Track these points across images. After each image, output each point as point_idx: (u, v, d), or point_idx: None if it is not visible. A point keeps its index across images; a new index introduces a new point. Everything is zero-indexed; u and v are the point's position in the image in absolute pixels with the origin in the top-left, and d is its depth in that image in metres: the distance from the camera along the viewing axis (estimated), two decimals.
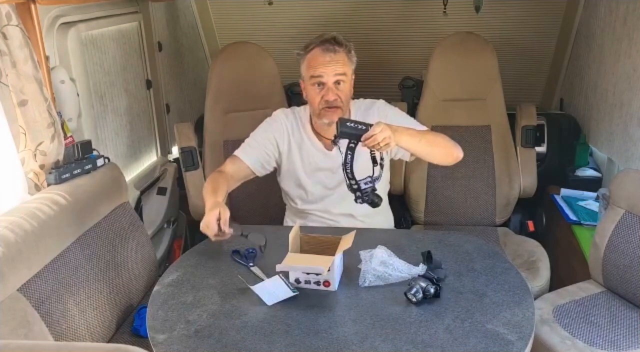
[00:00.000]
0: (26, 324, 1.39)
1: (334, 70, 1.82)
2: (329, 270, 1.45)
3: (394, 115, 1.95)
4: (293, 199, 2.05)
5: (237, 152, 1.98)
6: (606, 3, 2.56)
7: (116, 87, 2.47)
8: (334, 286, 1.50)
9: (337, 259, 1.50)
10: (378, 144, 1.60)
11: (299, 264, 1.49)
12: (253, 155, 1.96)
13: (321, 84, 1.85)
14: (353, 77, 1.91)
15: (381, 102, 2.01)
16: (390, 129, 1.62)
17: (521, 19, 3.02)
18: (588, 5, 2.79)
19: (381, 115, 1.94)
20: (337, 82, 1.84)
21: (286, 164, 2.00)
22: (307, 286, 1.50)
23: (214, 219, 1.63)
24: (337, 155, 1.93)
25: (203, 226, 1.65)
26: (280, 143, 1.99)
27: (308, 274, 1.48)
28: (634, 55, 2.25)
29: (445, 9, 2.83)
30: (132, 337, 1.74)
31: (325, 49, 1.83)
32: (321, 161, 1.97)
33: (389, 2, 3.04)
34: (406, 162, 2.59)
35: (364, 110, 1.97)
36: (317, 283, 1.49)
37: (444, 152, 1.82)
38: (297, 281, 1.50)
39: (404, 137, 1.69)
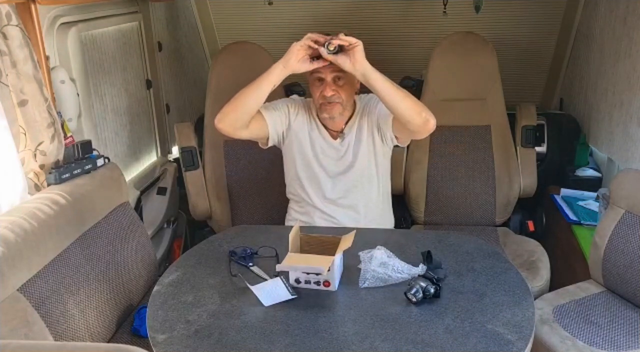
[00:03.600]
0: (26, 324, 1.39)
1: (332, 69, 1.84)
2: (329, 270, 1.45)
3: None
4: (300, 182, 2.05)
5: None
6: (606, 3, 2.56)
7: (116, 87, 2.47)
8: (334, 285, 1.50)
9: (337, 259, 1.50)
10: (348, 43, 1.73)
11: (299, 264, 1.49)
12: (271, 113, 1.97)
13: (321, 80, 1.88)
14: None
15: (371, 95, 2.02)
16: (362, 57, 1.73)
17: (521, 19, 3.02)
18: (588, 5, 2.79)
19: (374, 103, 1.98)
20: (337, 78, 1.87)
21: (296, 140, 2.02)
22: (307, 286, 1.50)
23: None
24: (341, 145, 2.00)
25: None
26: (292, 116, 2.01)
27: (308, 274, 1.48)
28: (634, 55, 2.25)
29: (445, 9, 2.82)
30: (132, 337, 1.74)
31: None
32: (327, 148, 2.01)
33: (389, 2, 3.04)
34: (406, 162, 2.61)
35: (365, 103, 2.02)
36: (317, 283, 1.49)
37: (414, 107, 1.79)
38: (297, 280, 1.51)
39: (372, 72, 1.74)
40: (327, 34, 1.81)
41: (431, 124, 1.81)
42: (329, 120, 1.96)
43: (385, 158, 2.06)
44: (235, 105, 1.83)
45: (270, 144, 2.03)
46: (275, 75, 1.80)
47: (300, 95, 2.88)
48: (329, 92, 1.87)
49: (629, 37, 2.29)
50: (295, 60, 1.77)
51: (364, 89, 2.02)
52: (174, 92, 3.07)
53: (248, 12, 3.17)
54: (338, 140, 2.00)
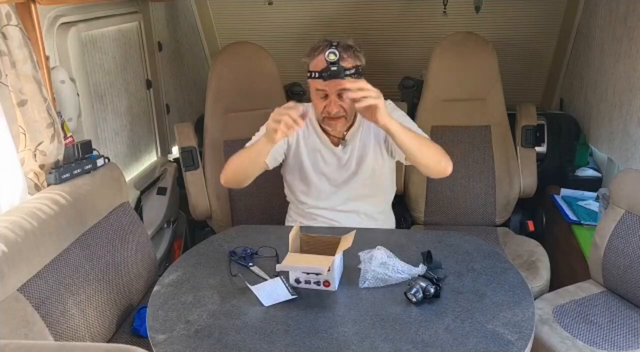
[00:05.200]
0: (26, 324, 1.39)
1: (335, 85, 1.78)
2: (329, 270, 1.45)
3: (397, 117, 1.91)
4: (297, 194, 2.04)
5: (248, 145, 1.95)
6: (606, 3, 2.56)
7: (116, 87, 2.47)
8: (334, 286, 1.50)
9: (337, 259, 1.50)
10: (366, 92, 1.62)
11: (299, 264, 1.49)
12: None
13: (325, 95, 1.83)
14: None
15: (387, 102, 1.96)
16: (385, 116, 1.65)
17: (521, 19, 3.02)
18: (588, 5, 2.79)
19: None
20: (341, 93, 1.81)
21: (292, 156, 2.00)
22: (307, 286, 1.50)
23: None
24: (343, 152, 1.96)
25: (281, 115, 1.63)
26: (290, 138, 1.96)
27: (308, 274, 1.48)
28: (634, 55, 2.25)
29: (445, 9, 2.82)
30: (132, 337, 1.74)
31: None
32: (328, 156, 1.97)
33: (389, 2, 3.04)
34: None
35: None
36: (317, 283, 1.49)
37: (434, 158, 1.78)
38: (297, 280, 1.51)
39: (394, 123, 1.69)
40: (331, 43, 1.76)
41: (448, 171, 1.81)
42: (332, 130, 1.93)
43: (391, 165, 2.04)
44: (236, 171, 1.86)
45: (270, 168, 1.99)
46: (263, 149, 1.77)
47: (299, 95, 2.89)
48: (334, 109, 1.82)
49: (629, 38, 2.29)
50: (275, 136, 1.66)
51: None
52: (174, 92, 3.07)
53: (248, 12, 3.16)
54: (340, 147, 1.96)
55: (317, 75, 1.78)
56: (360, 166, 1.96)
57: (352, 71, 1.79)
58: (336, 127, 1.89)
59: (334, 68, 1.74)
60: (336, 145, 1.97)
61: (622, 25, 2.36)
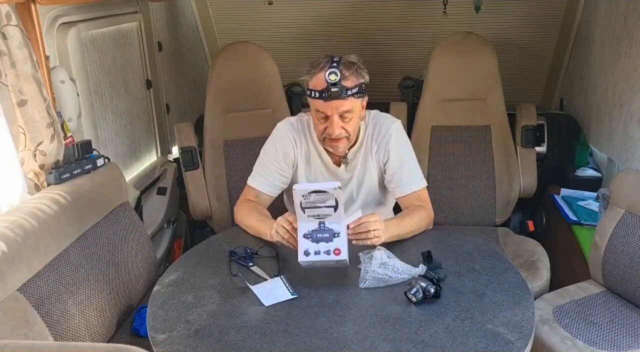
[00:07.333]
0: (26, 324, 1.39)
1: (337, 108, 1.70)
2: (340, 188, 1.43)
3: (397, 153, 1.86)
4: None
5: (252, 183, 1.92)
6: (606, 3, 2.56)
7: (116, 87, 2.47)
8: (344, 253, 1.47)
9: (344, 226, 1.50)
10: (367, 234, 1.55)
11: (311, 185, 1.47)
12: (268, 183, 1.90)
13: (325, 116, 1.74)
14: (366, 99, 1.79)
15: (395, 128, 1.87)
16: (385, 237, 1.61)
17: (521, 19, 3.02)
18: (588, 5, 2.80)
19: (384, 145, 1.86)
20: (343, 114, 1.72)
21: (293, 175, 1.94)
22: (317, 257, 1.47)
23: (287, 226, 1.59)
24: (345, 172, 1.89)
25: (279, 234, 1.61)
26: (291, 157, 1.90)
27: (318, 243, 1.46)
28: (634, 55, 2.25)
29: (445, 9, 2.83)
30: (132, 337, 1.74)
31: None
32: (328, 177, 1.90)
33: (389, 2, 3.05)
34: None
35: (372, 128, 1.88)
36: (327, 252, 1.46)
37: (420, 229, 1.81)
38: (307, 252, 1.48)
39: (396, 236, 1.69)
40: (332, 60, 1.68)
41: (429, 227, 1.85)
42: (334, 150, 1.85)
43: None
44: (245, 229, 1.83)
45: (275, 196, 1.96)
46: (264, 235, 1.73)
47: (299, 95, 2.89)
48: (335, 131, 1.72)
49: (629, 37, 2.29)
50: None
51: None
52: (174, 92, 3.07)
53: (248, 12, 3.17)
54: (342, 166, 1.88)
55: (316, 94, 1.69)
56: (361, 185, 1.90)
57: (355, 90, 1.70)
58: (338, 148, 1.81)
59: (334, 89, 1.65)
60: (338, 165, 1.89)
61: (622, 25, 2.36)
